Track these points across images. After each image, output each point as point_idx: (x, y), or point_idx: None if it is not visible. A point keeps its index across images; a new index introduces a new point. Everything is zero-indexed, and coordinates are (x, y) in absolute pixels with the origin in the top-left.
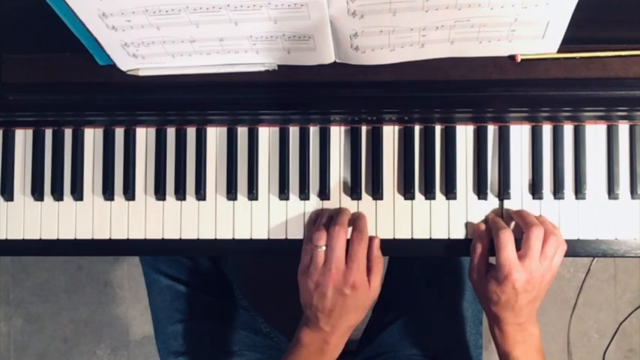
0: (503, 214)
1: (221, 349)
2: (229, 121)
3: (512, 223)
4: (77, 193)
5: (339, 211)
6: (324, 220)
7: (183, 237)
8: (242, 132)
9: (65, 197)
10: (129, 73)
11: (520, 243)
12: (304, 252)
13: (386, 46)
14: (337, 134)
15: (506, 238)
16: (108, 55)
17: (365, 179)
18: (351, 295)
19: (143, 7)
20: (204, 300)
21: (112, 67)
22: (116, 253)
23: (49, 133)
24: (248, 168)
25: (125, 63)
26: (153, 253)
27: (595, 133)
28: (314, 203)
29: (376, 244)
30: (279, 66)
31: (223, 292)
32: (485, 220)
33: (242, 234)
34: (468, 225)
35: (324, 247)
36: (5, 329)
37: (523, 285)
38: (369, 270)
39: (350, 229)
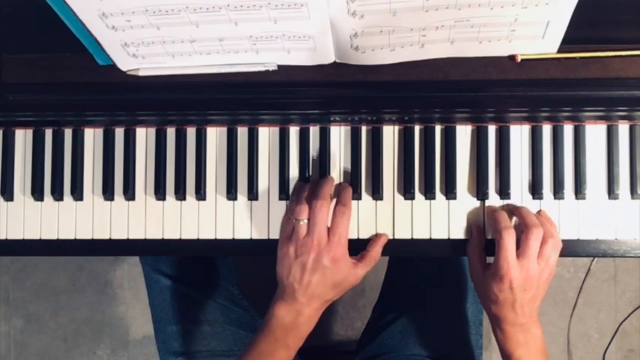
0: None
1: (221, 350)
2: (229, 121)
3: (514, 219)
4: (77, 193)
5: (321, 183)
6: (305, 193)
7: (183, 237)
8: (242, 132)
9: (65, 197)
10: (129, 73)
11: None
12: (286, 223)
13: (386, 46)
14: (337, 134)
15: (508, 238)
16: (108, 55)
17: (365, 179)
18: (330, 267)
19: (143, 7)
20: (204, 300)
21: (112, 67)
22: (116, 253)
23: (49, 133)
24: (248, 168)
25: (125, 63)
26: (153, 253)
27: (595, 133)
28: None
29: (383, 240)
30: (279, 66)
31: (223, 293)
32: (482, 220)
33: (242, 234)
34: (467, 225)
35: (305, 221)
36: (5, 329)
37: (520, 284)
38: (362, 258)
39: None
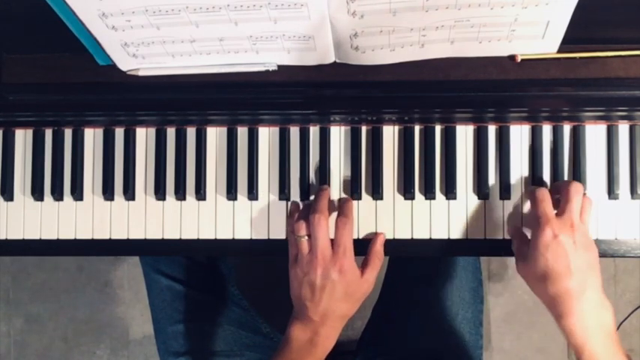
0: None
1: (221, 350)
2: (229, 121)
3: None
4: (77, 193)
5: (316, 197)
6: (301, 208)
7: (183, 237)
8: (242, 132)
9: (65, 197)
10: (129, 73)
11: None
12: (290, 244)
13: (386, 46)
14: (337, 134)
15: (543, 194)
16: (108, 55)
17: (365, 179)
18: (338, 280)
19: (143, 7)
20: (204, 300)
21: (112, 67)
22: (116, 253)
23: (49, 133)
24: (248, 168)
25: (125, 63)
26: (153, 253)
27: (595, 133)
28: None
29: (381, 239)
30: (279, 66)
31: (223, 293)
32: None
33: (242, 234)
34: (468, 225)
35: (306, 237)
36: (5, 329)
37: (568, 236)
38: (366, 263)
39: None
